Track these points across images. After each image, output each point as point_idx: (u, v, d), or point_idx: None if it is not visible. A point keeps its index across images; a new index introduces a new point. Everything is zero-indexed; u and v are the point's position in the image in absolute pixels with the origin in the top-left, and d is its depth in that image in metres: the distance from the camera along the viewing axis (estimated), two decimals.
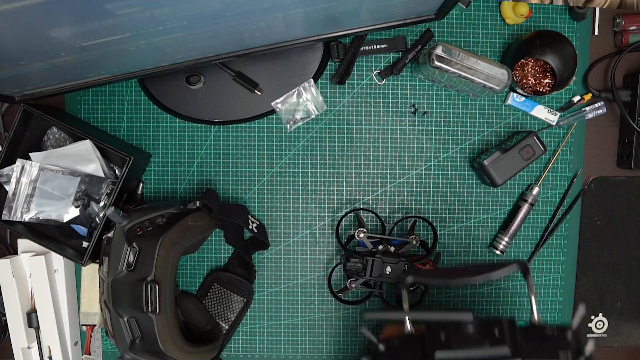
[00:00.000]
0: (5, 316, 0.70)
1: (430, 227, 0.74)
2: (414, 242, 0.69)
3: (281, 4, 0.49)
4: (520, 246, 0.75)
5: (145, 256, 0.61)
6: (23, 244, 0.72)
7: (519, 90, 0.70)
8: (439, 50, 0.63)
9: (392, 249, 0.69)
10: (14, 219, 0.66)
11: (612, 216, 0.75)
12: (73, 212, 0.67)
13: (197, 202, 0.66)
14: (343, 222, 0.74)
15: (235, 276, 0.73)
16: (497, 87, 0.65)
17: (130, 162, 0.65)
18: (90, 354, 0.73)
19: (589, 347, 0.45)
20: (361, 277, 0.68)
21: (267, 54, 0.64)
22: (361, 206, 0.74)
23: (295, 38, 0.61)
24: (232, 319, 0.74)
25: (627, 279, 0.76)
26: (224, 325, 0.74)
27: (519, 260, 0.52)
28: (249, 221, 0.70)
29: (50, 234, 0.71)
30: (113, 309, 0.61)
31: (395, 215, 0.74)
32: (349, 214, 0.74)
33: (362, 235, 0.68)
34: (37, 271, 0.69)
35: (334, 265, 0.74)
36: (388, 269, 0.67)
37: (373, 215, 0.74)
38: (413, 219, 0.72)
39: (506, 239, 0.73)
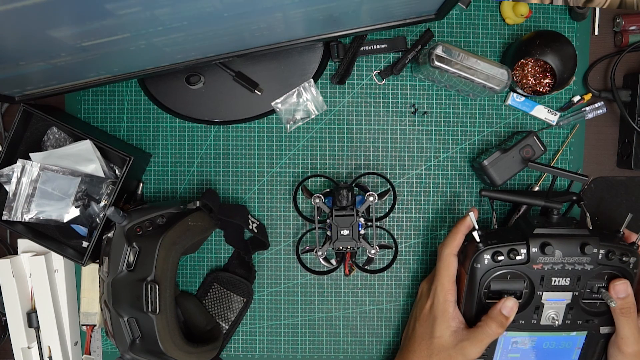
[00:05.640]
0: (5, 316, 0.70)
1: (388, 183, 0.70)
2: (371, 198, 0.66)
3: (281, 4, 0.49)
4: None
5: (145, 256, 0.61)
6: (23, 244, 0.72)
7: (519, 90, 0.70)
8: (439, 50, 0.63)
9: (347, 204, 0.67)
10: (14, 219, 0.66)
11: (612, 216, 0.75)
12: (73, 212, 0.67)
13: (197, 202, 0.66)
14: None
15: (235, 276, 0.73)
16: (497, 87, 0.65)
17: (130, 162, 0.65)
18: (90, 354, 0.73)
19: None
20: (327, 245, 0.68)
21: (267, 54, 0.64)
22: (313, 173, 0.72)
23: (295, 38, 0.61)
24: (232, 319, 0.74)
25: None
26: (224, 325, 0.74)
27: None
28: (249, 221, 0.70)
29: (50, 234, 0.71)
30: (113, 309, 0.61)
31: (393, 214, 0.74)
32: (310, 179, 0.72)
33: (317, 200, 0.67)
34: (37, 271, 0.69)
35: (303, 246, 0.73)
36: (345, 232, 0.66)
37: (328, 180, 0.72)
38: (367, 175, 0.71)
39: None
